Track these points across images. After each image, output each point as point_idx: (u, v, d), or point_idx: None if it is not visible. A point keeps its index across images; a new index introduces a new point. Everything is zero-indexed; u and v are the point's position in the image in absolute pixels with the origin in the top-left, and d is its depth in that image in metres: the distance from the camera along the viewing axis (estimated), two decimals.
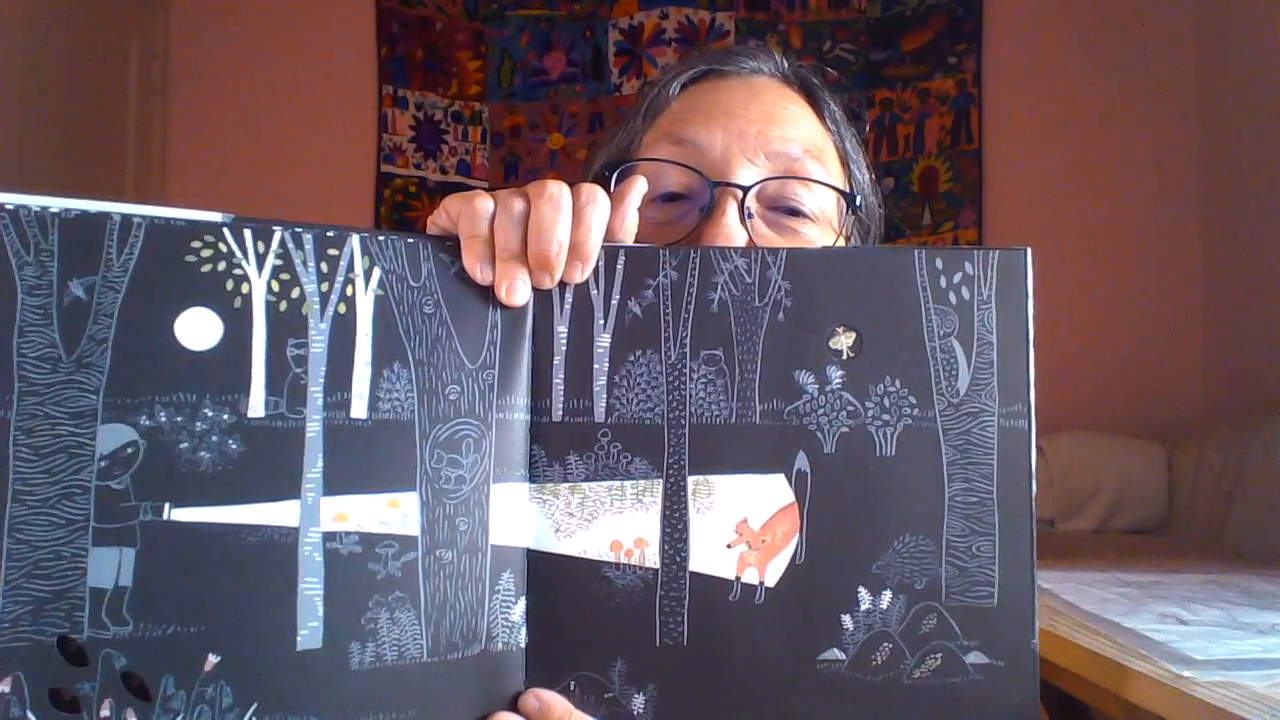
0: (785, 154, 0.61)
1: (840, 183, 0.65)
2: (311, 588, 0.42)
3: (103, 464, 0.40)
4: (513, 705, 0.45)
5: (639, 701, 0.46)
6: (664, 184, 0.61)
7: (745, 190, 0.60)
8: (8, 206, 0.39)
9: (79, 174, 2.04)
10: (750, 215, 0.60)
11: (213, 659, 0.40)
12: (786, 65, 0.68)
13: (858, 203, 0.65)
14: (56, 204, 0.40)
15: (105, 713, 0.39)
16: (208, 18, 2.53)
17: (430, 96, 2.57)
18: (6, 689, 0.37)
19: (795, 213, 0.62)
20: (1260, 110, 2.14)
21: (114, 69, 2.27)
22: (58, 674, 0.38)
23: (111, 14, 2.24)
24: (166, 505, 0.40)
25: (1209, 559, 1.57)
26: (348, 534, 0.43)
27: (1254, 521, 1.78)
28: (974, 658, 0.46)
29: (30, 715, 0.38)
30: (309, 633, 0.42)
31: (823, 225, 0.63)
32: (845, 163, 0.67)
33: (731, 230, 0.58)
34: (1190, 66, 2.39)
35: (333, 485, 0.43)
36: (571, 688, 0.46)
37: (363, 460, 0.43)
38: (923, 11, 2.52)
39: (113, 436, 0.40)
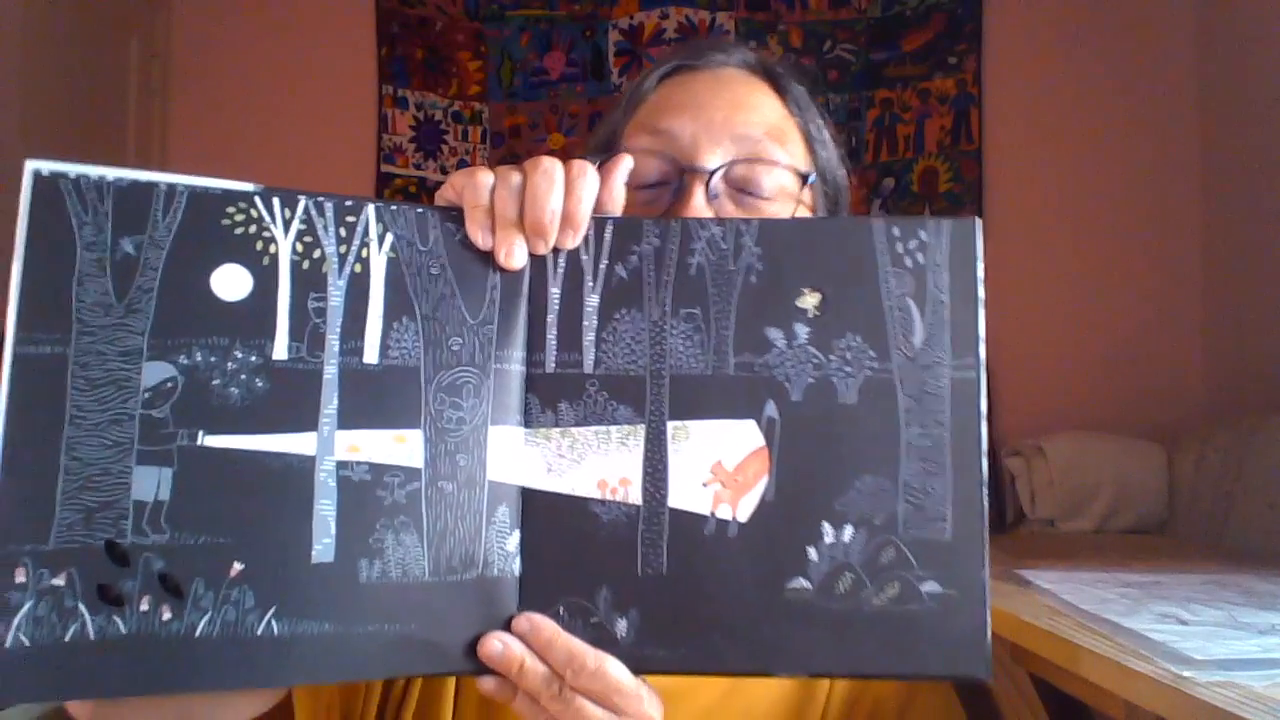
0: (748, 136, 0.67)
1: (801, 160, 0.71)
2: (325, 509, 0.47)
3: (146, 395, 0.46)
4: (507, 626, 0.50)
5: (622, 625, 0.50)
6: (643, 174, 0.67)
7: (711, 174, 0.66)
8: (70, 175, 0.46)
9: None
10: (715, 196, 0.66)
11: (238, 566, 0.46)
12: (753, 57, 0.74)
13: (811, 179, 0.70)
14: (111, 173, 0.47)
15: (144, 607, 0.44)
16: (208, 18, 2.53)
17: (430, 96, 2.57)
18: (61, 583, 0.43)
19: (757, 194, 0.67)
20: (1260, 110, 2.14)
21: (114, 69, 2.27)
22: (104, 572, 0.44)
23: (111, 14, 2.24)
24: (200, 432, 0.46)
25: (1209, 559, 1.57)
26: (359, 463, 0.48)
27: (1254, 521, 1.78)
28: (929, 587, 0.50)
29: (81, 605, 0.43)
30: (323, 548, 0.47)
31: (783, 202, 0.68)
32: (809, 143, 0.72)
33: (698, 210, 0.65)
34: (1190, 66, 2.39)
35: (346, 420, 0.48)
36: (561, 612, 0.50)
37: (373, 400, 0.49)
38: (923, 11, 2.52)
39: (155, 372, 0.46)
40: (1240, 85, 2.23)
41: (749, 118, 0.68)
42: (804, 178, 0.70)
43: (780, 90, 0.73)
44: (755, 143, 0.67)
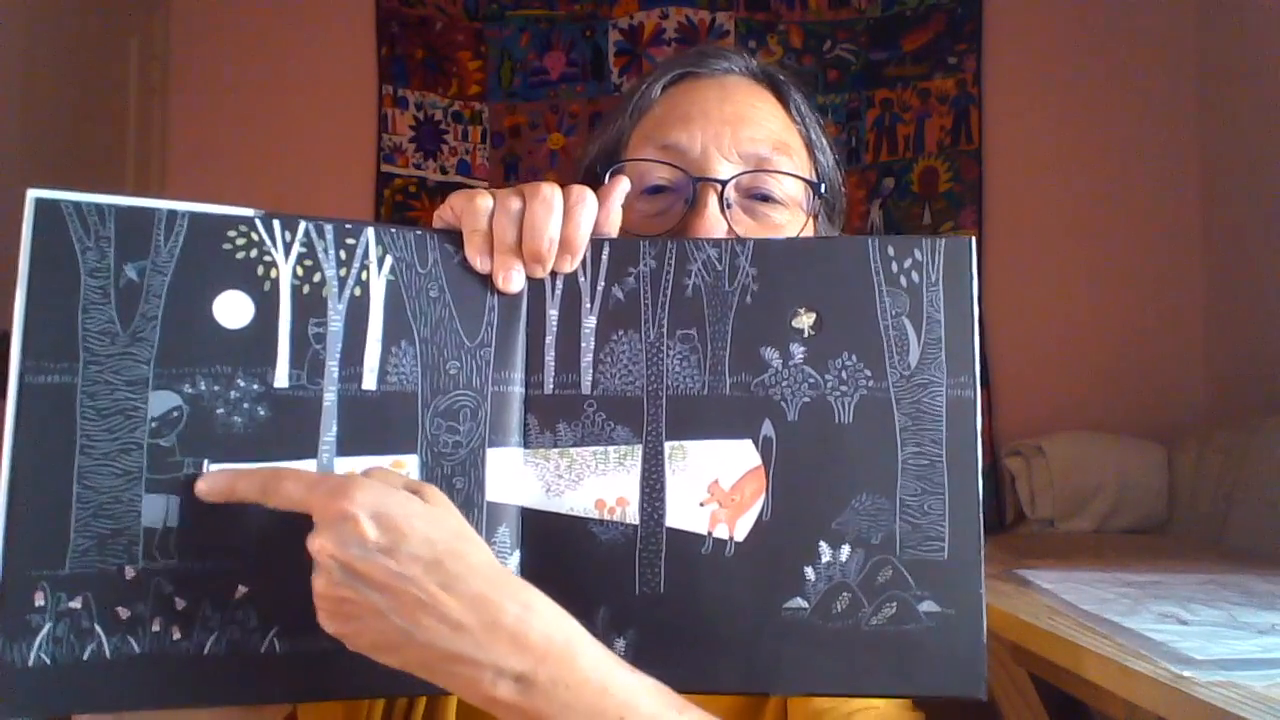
0: (755, 154, 0.67)
1: (806, 169, 0.71)
2: None
3: (153, 424, 0.47)
4: None
5: (620, 645, 0.50)
6: (651, 179, 0.67)
7: (724, 184, 0.66)
8: (72, 202, 0.46)
9: (79, 173, 2.03)
10: (729, 205, 0.66)
11: (242, 589, 0.47)
12: (755, 64, 0.74)
13: (823, 190, 0.71)
14: (112, 199, 0.47)
15: (156, 628, 0.46)
16: (208, 18, 2.53)
17: (430, 96, 2.57)
18: (78, 605, 0.45)
19: (768, 199, 0.67)
20: (1260, 110, 2.14)
21: (114, 69, 2.27)
22: (118, 595, 0.46)
23: (111, 14, 2.24)
24: (205, 461, 0.47)
25: (1209, 559, 1.57)
26: None
27: (1254, 521, 1.78)
28: (926, 606, 0.50)
29: (97, 627, 0.45)
30: None
31: (793, 209, 0.69)
32: (810, 150, 0.73)
33: (713, 219, 0.64)
34: (1190, 66, 2.39)
35: (345, 447, 0.49)
36: None
37: (372, 426, 0.50)
38: (923, 11, 2.52)
39: (161, 401, 0.47)
40: (1241, 85, 2.23)
41: (755, 132, 0.68)
42: (814, 187, 0.70)
43: (782, 98, 0.73)
44: (763, 159, 0.67)
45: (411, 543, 0.44)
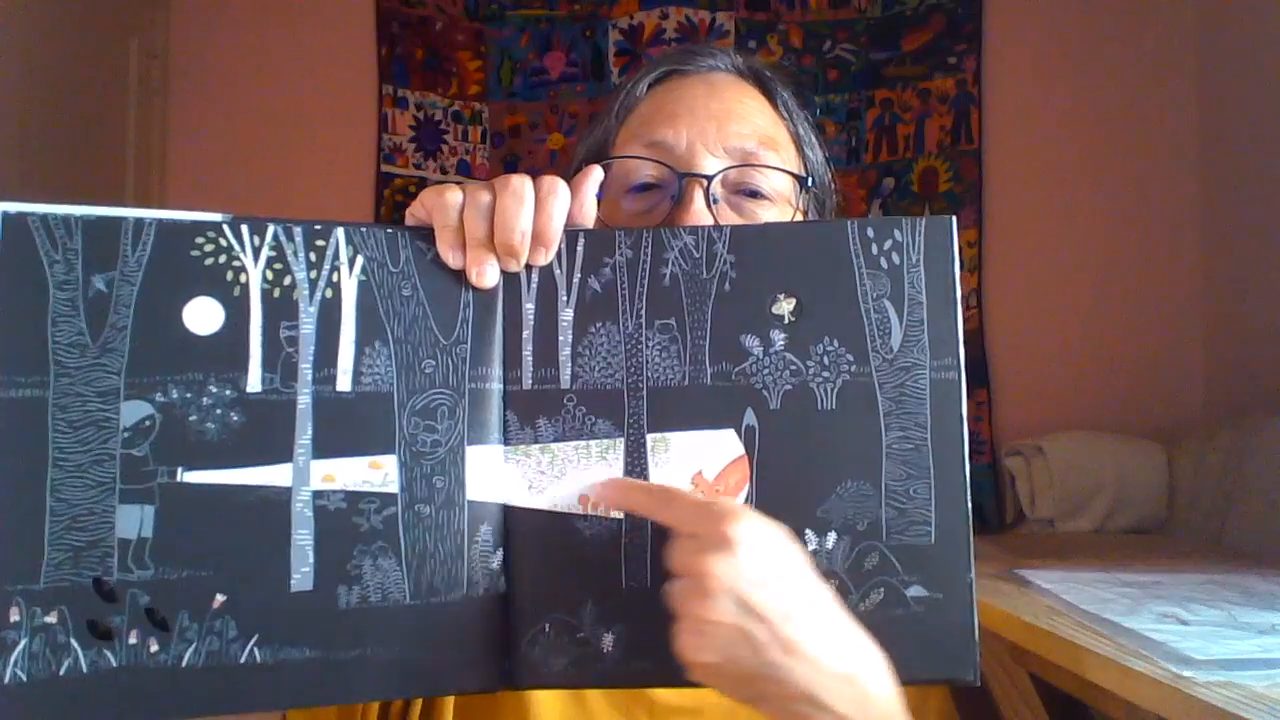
0: (741, 148, 0.67)
1: (794, 165, 0.70)
2: (303, 539, 0.48)
3: (126, 434, 0.47)
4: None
5: (608, 640, 0.50)
6: (638, 176, 0.67)
7: (710, 179, 0.65)
8: (38, 214, 0.46)
9: (79, 173, 2.03)
10: (715, 200, 0.66)
11: (220, 598, 0.47)
12: (741, 61, 0.74)
13: (810, 183, 0.70)
14: (78, 210, 0.47)
15: (133, 640, 0.46)
16: (208, 18, 2.53)
17: (430, 96, 2.57)
18: (53, 620, 0.45)
19: (755, 194, 0.67)
20: (1260, 110, 2.14)
21: (114, 69, 2.27)
22: (93, 609, 0.46)
23: (111, 14, 2.24)
24: (179, 469, 0.47)
25: (1209, 559, 1.57)
26: (334, 492, 0.49)
27: (1254, 521, 1.78)
28: (914, 591, 0.50)
29: (73, 641, 0.45)
30: (301, 577, 0.48)
31: (780, 204, 0.68)
32: (799, 146, 0.72)
33: (700, 214, 0.64)
34: (1190, 66, 2.39)
35: (321, 450, 0.49)
36: (546, 629, 0.50)
37: (347, 428, 0.49)
38: (923, 11, 2.52)
39: (133, 411, 0.47)
40: (1241, 84, 2.23)
41: (741, 128, 0.67)
42: (801, 181, 0.70)
43: (769, 94, 0.72)
44: (749, 153, 0.67)
45: (789, 579, 0.44)
